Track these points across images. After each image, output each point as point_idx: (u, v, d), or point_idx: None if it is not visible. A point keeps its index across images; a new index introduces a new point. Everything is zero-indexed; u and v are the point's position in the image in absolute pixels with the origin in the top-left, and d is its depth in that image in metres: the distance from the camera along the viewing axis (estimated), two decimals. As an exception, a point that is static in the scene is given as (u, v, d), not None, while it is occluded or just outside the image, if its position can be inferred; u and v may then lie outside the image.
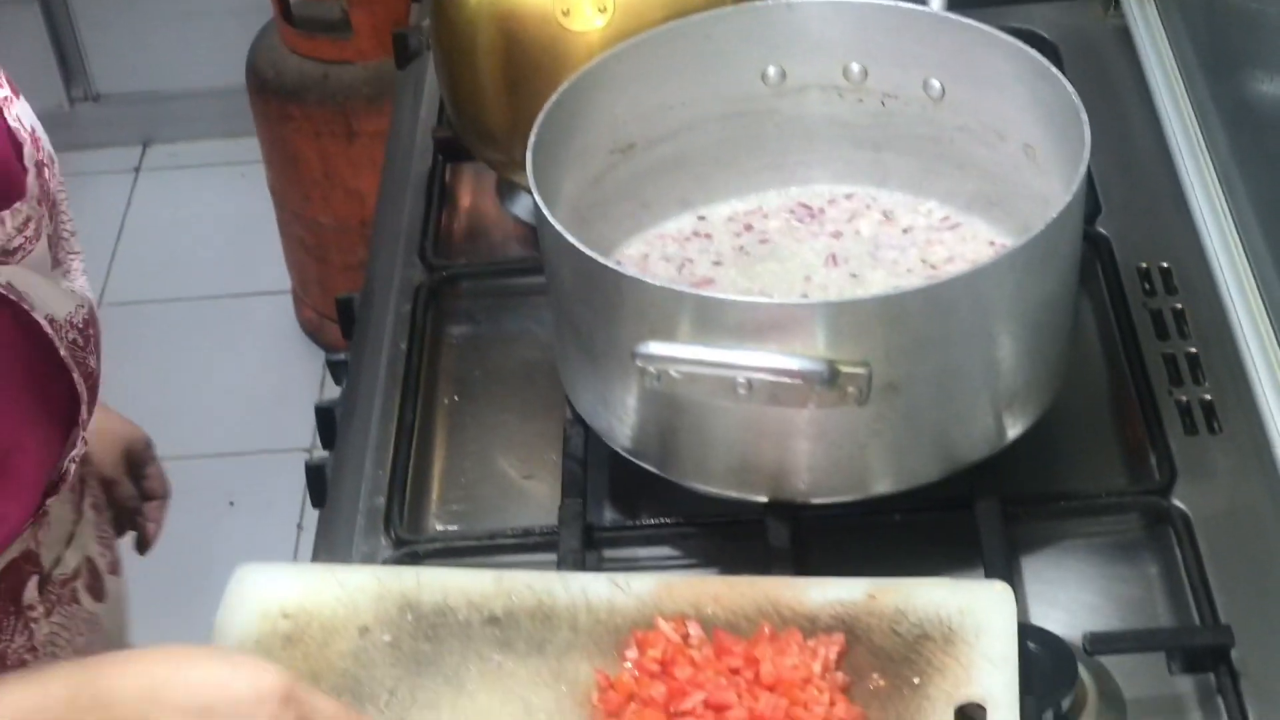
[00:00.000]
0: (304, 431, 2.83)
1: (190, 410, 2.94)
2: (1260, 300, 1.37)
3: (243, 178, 3.29)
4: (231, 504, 2.76)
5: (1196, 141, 1.52)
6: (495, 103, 1.45)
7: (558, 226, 1.18)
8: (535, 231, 1.52)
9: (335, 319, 2.85)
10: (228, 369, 3.02)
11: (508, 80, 1.43)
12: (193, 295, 3.17)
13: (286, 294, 3.07)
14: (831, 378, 1.11)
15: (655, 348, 1.13)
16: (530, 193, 1.23)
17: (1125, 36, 1.67)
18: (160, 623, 2.53)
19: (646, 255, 1.38)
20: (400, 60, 1.78)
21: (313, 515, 2.70)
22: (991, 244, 1.36)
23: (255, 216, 3.09)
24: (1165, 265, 1.43)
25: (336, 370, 1.52)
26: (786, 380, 1.11)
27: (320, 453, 1.46)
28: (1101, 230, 1.45)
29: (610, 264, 1.16)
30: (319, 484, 1.41)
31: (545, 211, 1.20)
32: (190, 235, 3.29)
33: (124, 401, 2.89)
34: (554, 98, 1.29)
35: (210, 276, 3.19)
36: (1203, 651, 1.14)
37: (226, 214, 3.30)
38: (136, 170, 3.47)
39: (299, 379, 2.95)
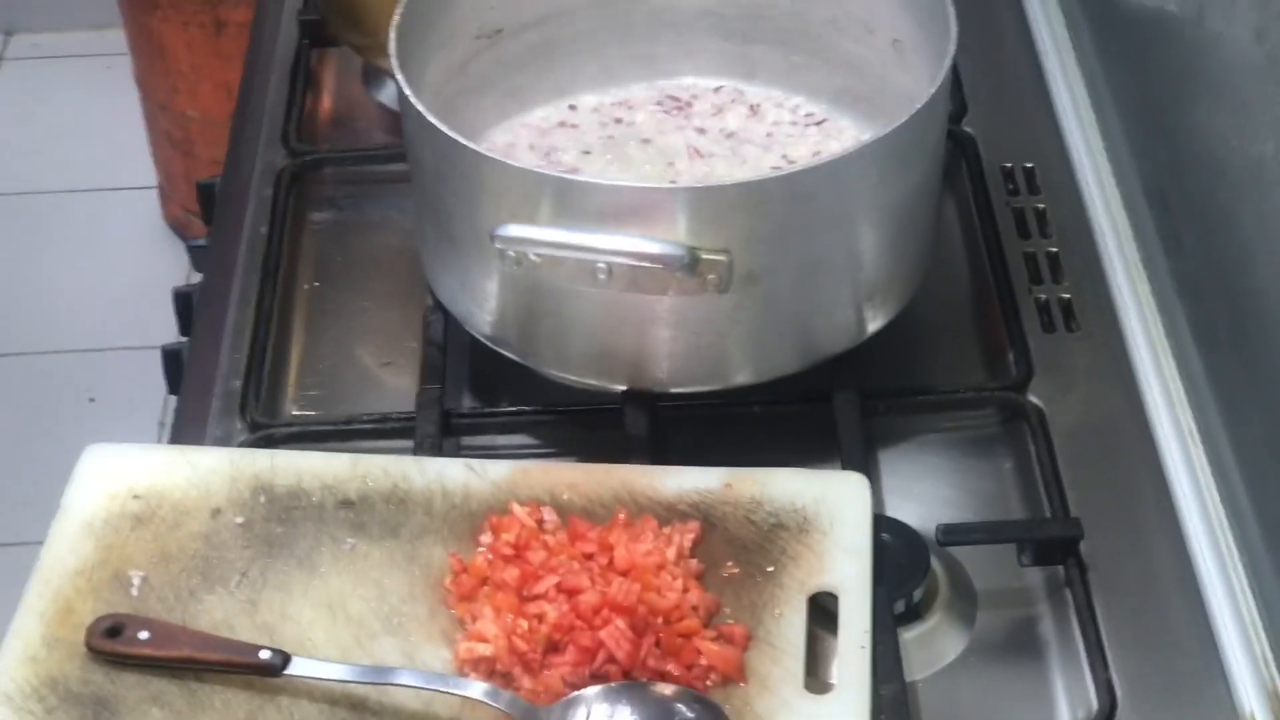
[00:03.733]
0: (168, 329, 2.78)
1: (51, 305, 2.89)
2: (1120, 202, 1.39)
3: (108, 69, 3.22)
4: (91, 400, 2.72)
5: (1063, 43, 1.53)
6: (360, -17, 1.42)
7: (419, 107, 1.17)
8: (400, 119, 1.51)
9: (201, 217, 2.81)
10: (91, 264, 2.96)
11: (372, -40, 1.41)
12: (55, 189, 3.11)
13: (152, 189, 3.02)
14: (692, 263, 1.11)
15: (514, 230, 1.12)
16: (394, 78, 1.21)
17: (995, -64, 1.67)
18: (15, 514, 2.51)
19: (512, 144, 1.36)
20: (267, -56, 1.75)
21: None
22: (857, 141, 1.35)
23: (120, 111, 3.03)
24: (1029, 166, 1.44)
25: (197, 256, 1.49)
26: (646, 265, 1.11)
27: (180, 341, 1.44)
28: (967, 130, 1.46)
29: (471, 145, 1.15)
30: (175, 369, 1.39)
31: (407, 91, 1.18)
32: (53, 128, 3.22)
33: (-18, 294, 2.80)
34: (419, -22, 1.27)
35: (73, 171, 3.13)
36: (1052, 544, 1.15)
37: (91, 107, 3.23)
38: (-2, 60, 3.39)
39: (164, 275, 2.87)
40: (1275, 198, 1.11)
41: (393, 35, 1.22)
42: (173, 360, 1.39)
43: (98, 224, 3.04)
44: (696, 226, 1.11)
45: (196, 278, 1.48)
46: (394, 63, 1.20)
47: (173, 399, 2.68)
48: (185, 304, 1.43)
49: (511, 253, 1.13)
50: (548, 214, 1.12)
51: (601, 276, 1.12)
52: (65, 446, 2.60)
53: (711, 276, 1.12)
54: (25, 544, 2.44)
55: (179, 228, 2.96)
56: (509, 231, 1.12)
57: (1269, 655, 1.09)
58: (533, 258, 1.13)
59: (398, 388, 1.30)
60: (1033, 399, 1.25)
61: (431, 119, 1.16)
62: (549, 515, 1.12)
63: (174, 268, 2.90)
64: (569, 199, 1.12)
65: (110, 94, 3.16)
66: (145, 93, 2.83)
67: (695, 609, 1.05)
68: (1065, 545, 1.14)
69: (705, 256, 1.11)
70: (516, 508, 1.11)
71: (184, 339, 1.44)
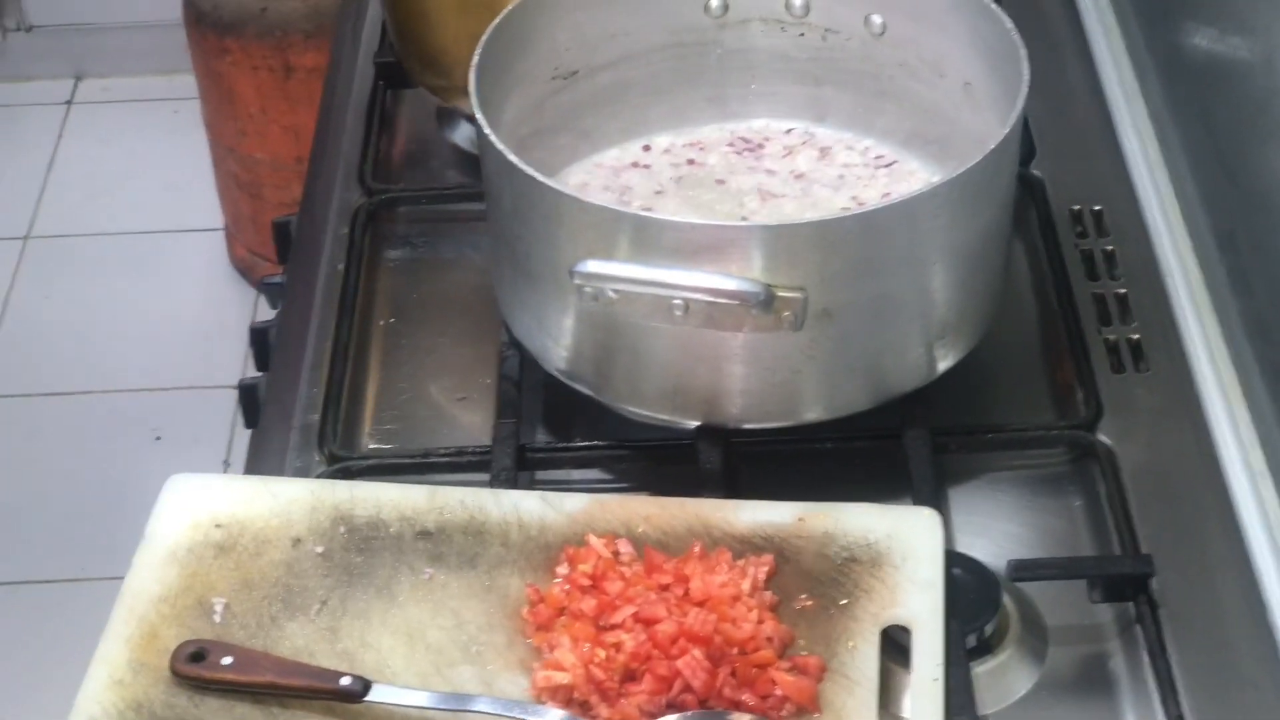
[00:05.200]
0: (233, 368, 2.83)
1: (118, 345, 2.94)
2: (1188, 244, 1.40)
3: (175, 114, 3.28)
4: (158, 438, 2.76)
5: (1130, 88, 1.54)
6: (439, 27, 1.45)
7: (499, 145, 1.19)
8: (473, 159, 1.54)
9: (267, 257, 2.85)
10: (157, 305, 3.00)
11: (451, 4, 1.43)
12: (123, 230, 3.15)
13: (219, 231, 3.06)
14: (767, 300, 1.12)
15: (593, 266, 1.14)
16: (470, 119, 1.23)
17: (1064, -16, 1.69)
18: (84, 551, 2.55)
19: (586, 184, 1.38)
20: (342, -11, 1.79)
21: (239, 451, 2.71)
22: (927, 184, 1.37)
23: (188, 154, 3.08)
24: (1097, 208, 1.45)
25: (271, 293, 1.52)
26: (723, 301, 1.13)
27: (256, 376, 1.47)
28: (1036, 173, 1.47)
29: (550, 183, 1.17)
30: (252, 404, 1.41)
31: (487, 130, 1.20)
32: (121, 170, 3.27)
33: (51, 334, 2.90)
34: (497, 21, 1.29)
35: (141, 212, 3.18)
36: (1123, 580, 1.15)
37: (159, 150, 3.28)
38: (68, 104, 3.44)
39: (229, 316, 2.94)
40: (1345, 240, 1.13)
41: (472, 76, 1.24)
42: (249, 395, 1.41)
43: (165, 265, 3.08)
44: (772, 264, 1.13)
45: (262, 317, 1.50)
46: (474, 102, 1.23)
47: (238, 437, 2.72)
48: (262, 340, 1.45)
49: (589, 289, 1.15)
50: (625, 251, 1.14)
51: (678, 313, 1.14)
52: (132, 483, 2.65)
53: (786, 314, 1.14)
54: (92, 579, 2.50)
55: (245, 269, 3.00)
56: (588, 268, 1.14)
57: (1341, 693, 1.09)
58: (610, 294, 1.15)
59: (471, 423, 1.32)
60: (1102, 438, 1.26)
61: (511, 157, 1.18)
62: (625, 547, 1.13)
63: (240, 308, 2.94)
64: (646, 236, 1.14)
65: (178, 137, 3.21)
66: (213, 136, 2.87)
67: (770, 640, 1.07)
68: (1136, 582, 1.15)
69: (781, 294, 1.13)
70: (593, 539, 1.13)
71: (259, 374, 1.46)
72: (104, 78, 3.46)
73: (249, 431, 1.40)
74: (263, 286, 1.56)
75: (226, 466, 2.65)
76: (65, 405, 2.84)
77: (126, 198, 3.21)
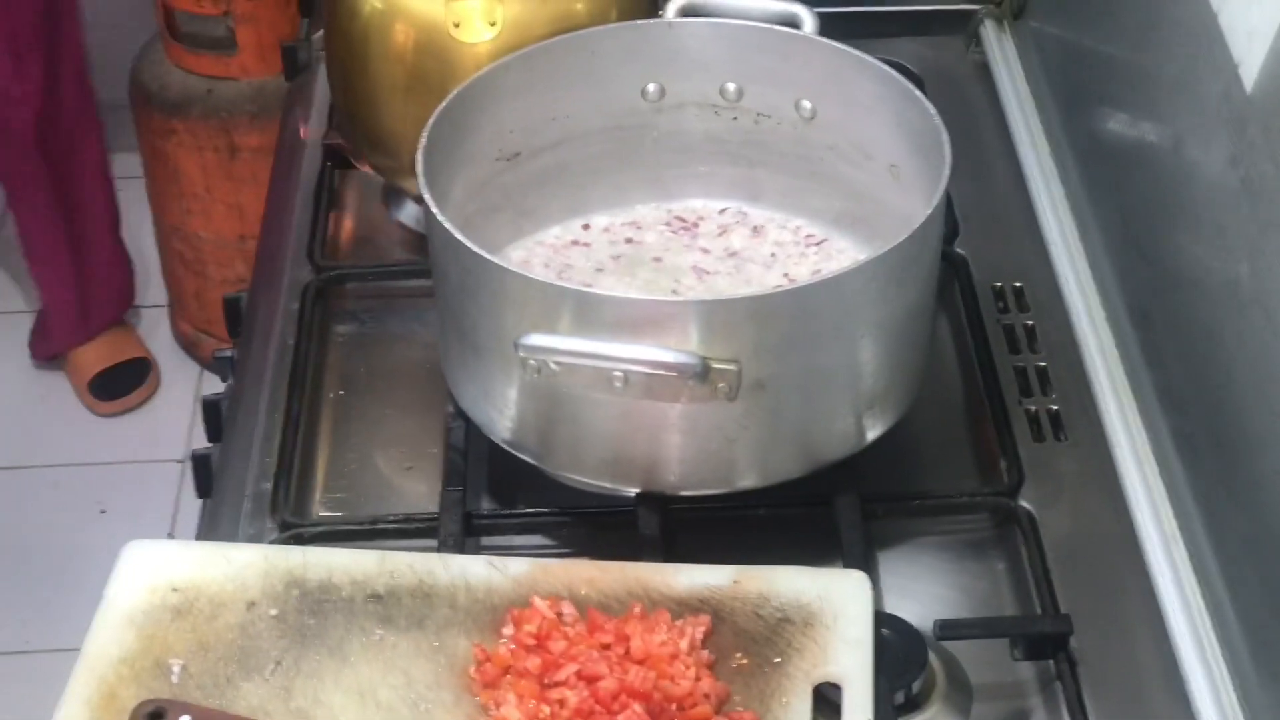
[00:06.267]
0: (176, 442, 2.86)
1: (61, 419, 2.95)
2: (1105, 319, 1.46)
3: (120, 193, 3.30)
4: (102, 511, 2.78)
5: (1049, 171, 1.60)
6: (386, 110, 1.50)
7: (446, 224, 1.24)
8: (419, 237, 1.58)
9: (211, 333, 2.88)
10: (102, 379, 3.03)
11: (399, 88, 1.48)
12: (67, 306, 3.18)
13: (163, 308, 3.09)
14: (704, 372, 1.17)
15: (537, 339, 1.18)
16: (416, 199, 1.27)
17: (985, 72, 1.76)
18: (31, 624, 2.56)
19: (528, 261, 1.43)
20: (289, 73, 1.84)
21: (183, 524, 2.73)
22: (855, 261, 1.42)
23: (132, 231, 3.12)
24: (1018, 285, 1.52)
25: (223, 366, 1.56)
26: (660, 373, 1.17)
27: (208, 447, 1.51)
28: (960, 251, 1.53)
29: (496, 260, 1.22)
30: (204, 473, 1.45)
31: (434, 209, 1.25)
32: (66, 247, 3.29)
33: (-5, 411, 2.84)
34: (444, 104, 1.34)
35: (85, 288, 3.20)
36: (1044, 639, 1.21)
37: (103, 228, 3.31)
38: (12, 182, 3.46)
39: (173, 391, 2.97)
40: (1251, 316, 1.18)
41: (420, 157, 1.29)
42: (202, 465, 1.45)
43: (109, 340, 3.10)
44: (708, 338, 1.18)
45: (206, 392, 1.53)
46: (421, 182, 1.27)
47: (183, 510, 2.73)
48: (214, 412, 1.49)
49: (533, 361, 1.20)
50: (567, 325, 1.19)
51: (618, 385, 1.19)
52: (78, 557, 2.67)
53: (722, 385, 1.19)
54: (38, 652, 2.51)
55: (188, 345, 3.03)
56: (532, 341, 1.18)
57: (1250, 745, 1.15)
58: (553, 366, 1.19)
59: (417, 491, 1.37)
60: (1024, 504, 1.31)
61: (458, 235, 1.22)
62: (568, 608, 1.18)
63: (183, 384, 2.97)
64: (588, 311, 1.19)
65: (122, 214, 3.23)
66: (158, 214, 2.91)
67: (707, 696, 1.11)
68: (1056, 641, 1.20)
69: (716, 366, 1.18)
70: (538, 601, 1.18)
71: (211, 445, 1.50)
72: (48, 156, 3.49)
73: (194, 504, 1.44)
74: (214, 360, 1.60)
75: (171, 539, 2.66)
76: (10, 480, 2.86)
77: (70, 274, 3.23)
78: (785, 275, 1.42)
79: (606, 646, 1.14)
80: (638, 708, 1.09)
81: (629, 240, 1.46)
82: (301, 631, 1.18)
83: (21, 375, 3.05)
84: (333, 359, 1.49)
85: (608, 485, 1.29)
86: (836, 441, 1.28)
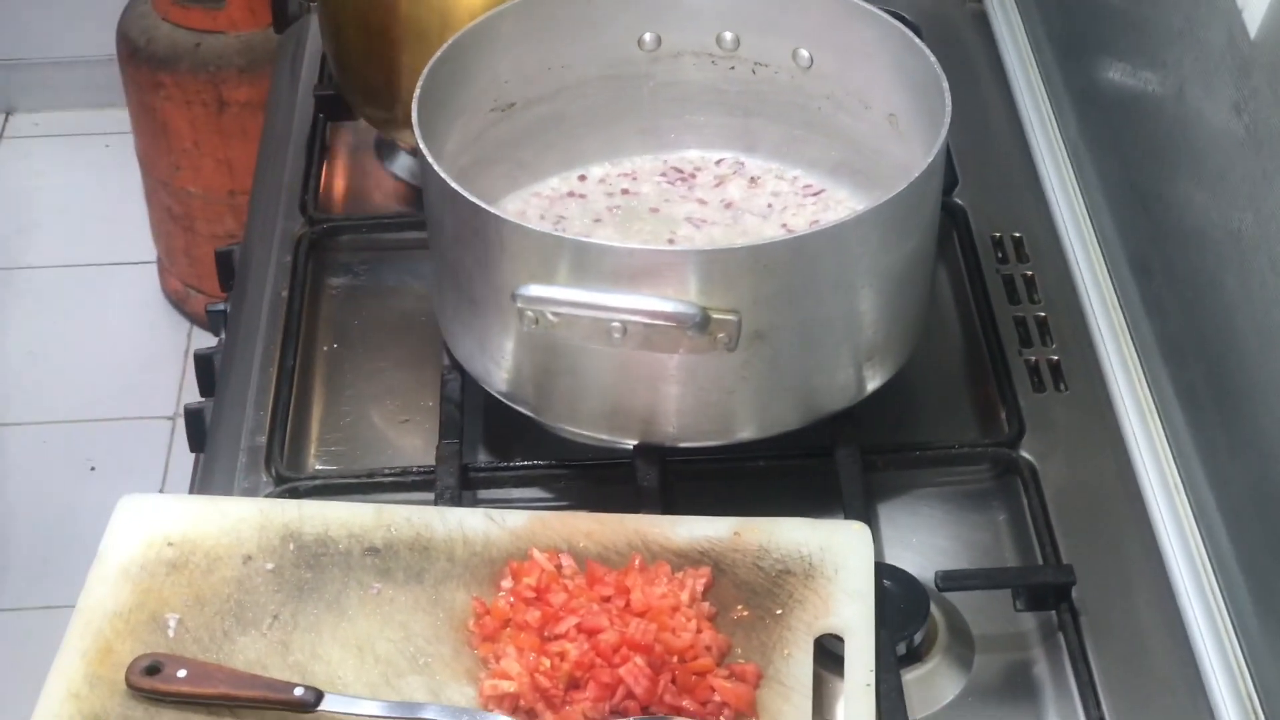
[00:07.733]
0: (167, 399, 2.85)
1: (51, 376, 2.94)
2: (1105, 268, 1.45)
3: (108, 149, 3.29)
4: (92, 469, 2.77)
5: (1048, 120, 1.60)
6: (380, 60, 1.48)
7: (442, 174, 1.22)
8: (412, 189, 1.57)
9: (200, 289, 2.87)
10: (91, 337, 3.01)
11: (392, 38, 1.47)
12: (55, 263, 3.16)
13: (152, 264, 3.07)
14: (703, 322, 1.16)
15: (535, 290, 1.17)
16: (411, 150, 1.26)
17: (983, 22, 1.75)
18: (20, 581, 2.55)
19: (524, 212, 1.42)
20: (279, 24, 1.81)
21: (173, 480, 2.73)
22: (854, 211, 1.41)
23: (120, 188, 3.10)
24: (1017, 235, 1.51)
25: (215, 320, 1.55)
26: (659, 324, 1.16)
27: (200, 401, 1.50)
28: (959, 201, 1.52)
29: (493, 210, 1.20)
30: (198, 428, 1.44)
31: (430, 160, 1.24)
32: (53, 205, 3.28)
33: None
34: (439, 54, 1.32)
35: (73, 246, 3.19)
36: (1046, 589, 1.20)
37: (90, 184, 3.29)
38: (-1, 138, 3.46)
39: (162, 347, 2.96)
40: (1253, 265, 1.17)
41: (415, 108, 1.28)
42: (195, 420, 1.44)
43: (98, 297, 3.09)
44: (707, 288, 1.17)
45: (196, 347, 1.52)
46: (417, 133, 1.26)
47: (173, 466, 2.72)
48: (207, 366, 1.48)
49: (530, 312, 1.19)
50: (565, 276, 1.18)
51: (616, 335, 1.18)
52: (68, 514, 2.66)
53: (721, 335, 1.18)
54: (28, 609, 2.50)
55: (178, 301, 3.02)
56: (530, 291, 1.17)
57: (1253, 694, 1.14)
58: (550, 317, 1.19)
59: (413, 445, 1.36)
60: (1025, 454, 1.31)
61: (454, 185, 1.21)
62: (567, 561, 1.17)
63: (173, 340, 2.96)
64: (586, 261, 1.18)
65: (110, 171, 3.23)
66: (146, 169, 2.89)
67: (708, 648, 1.11)
68: (1058, 591, 1.20)
69: (716, 316, 1.17)
70: (537, 553, 1.17)
71: (204, 399, 1.49)
72: (35, 112, 3.48)
73: (184, 461, 1.42)
74: (207, 313, 1.59)
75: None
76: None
77: (59, 231, 3.22)
78: (783, 225, 1.41)
79: (606, 599, 1.14)
80: (639, 660, 1.08)
81: (625, 191, 1.45)
82: (299, 585, 1.17)
83: (12, 334, 3.03)
84: (326, 312, 1.47)
85: (605, 437, 1.28)
86: (836, 392, 1.28)
